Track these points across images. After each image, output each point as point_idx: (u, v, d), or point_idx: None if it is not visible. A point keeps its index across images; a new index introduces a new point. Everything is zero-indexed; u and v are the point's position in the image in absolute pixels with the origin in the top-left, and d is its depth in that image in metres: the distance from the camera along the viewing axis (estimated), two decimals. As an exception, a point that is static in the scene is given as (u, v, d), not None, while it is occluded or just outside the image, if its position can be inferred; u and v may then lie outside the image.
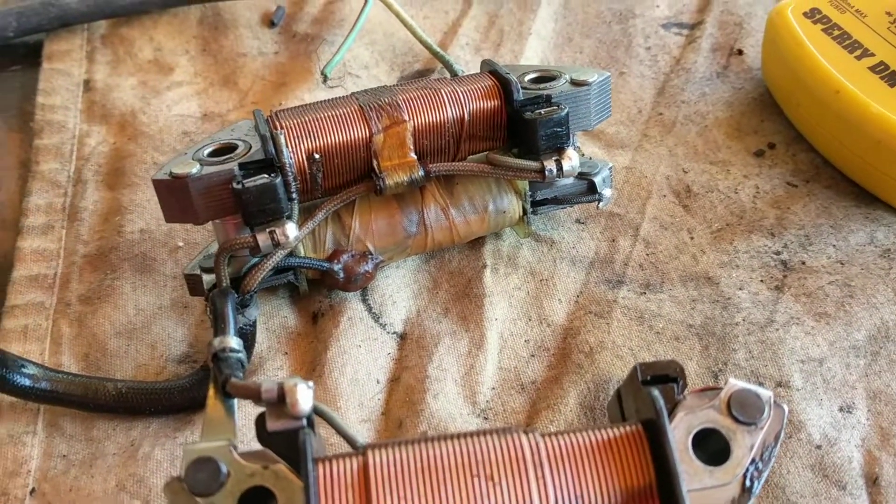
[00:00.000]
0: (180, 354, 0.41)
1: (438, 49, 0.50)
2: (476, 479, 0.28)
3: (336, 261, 0.40)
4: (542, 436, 0.30)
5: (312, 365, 0.40)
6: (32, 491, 0.36)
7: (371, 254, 0.41)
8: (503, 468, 0.29)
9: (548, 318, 0.42)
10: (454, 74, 0.47)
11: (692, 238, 0.45)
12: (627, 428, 0.30)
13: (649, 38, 0.55)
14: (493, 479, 0.28)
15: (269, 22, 0.56)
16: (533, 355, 0.40)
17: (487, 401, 0.39)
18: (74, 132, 0.50)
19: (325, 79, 0.50)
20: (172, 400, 0.38)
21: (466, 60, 0.53)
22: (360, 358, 0.40)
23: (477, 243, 0.44)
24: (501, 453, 0.29)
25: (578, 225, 0.45)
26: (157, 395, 0.38)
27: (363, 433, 0.38)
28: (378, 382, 0.40)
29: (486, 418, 0.38)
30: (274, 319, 0.42)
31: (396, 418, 0.38)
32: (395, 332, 0.41)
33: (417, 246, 0.42)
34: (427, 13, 0.57)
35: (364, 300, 0.42)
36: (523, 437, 0.29)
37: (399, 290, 0.43)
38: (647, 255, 0.44)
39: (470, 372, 0.39)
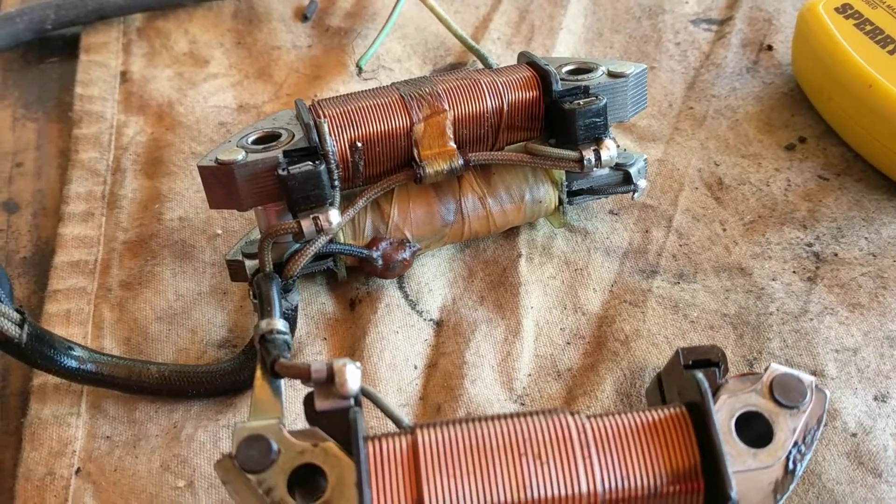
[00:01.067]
0: (220, 339, 0.41)
1: (473, 43, 0.50)
2: (524, 459, 0.29)
3: (375, 248, 0.41)
4: (588, 417, 0.30)
5: (351, 350, 0.41)
6: (78, 471, 0.37)
7: (409, 242, 0.41)
8: (550, 448, 0.29)
9: (583, 306, 0.42)
10: (489, 68, 0.48)
11: (724, 230, 0.45)
12: (671, 410, 0.31)
13: (678, 33, 0.56)
14: (540, 458, 0.29)
15: (302, 16, 0.57)
16: (569, 343, 0.41)
17: (524, 387, 0.39)
18: (112, 122, 0.51)
19: (360, 71, 0.51)
20: (214, 383, 0.38)
21: (498, 54, 0.54)
22: (398, 344, 0.41)
23: (511, 233, 0.45)
24: (548, 433, 0.29)
25: (612, 216, 0.46)
26: (199, 378, 0.38)
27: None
28: (416, 368, 0.40)
29: (522, 404, 0.39)
30: (312, 306, 0.42)
31: (434, 403, 0.39)
32: (431, 320, 0.42)
33: (454, 234, 0.42)
34: (458, 7, 0.58)
35: (401, 287, 0.43)
36: (569, 418, 0.30)
37: (435, 278, 0.43)
38: (681, 245, 0.44)
39: (507, 358, 0.40)
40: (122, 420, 0.38)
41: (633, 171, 0.43)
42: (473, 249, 0.44)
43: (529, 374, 0.40)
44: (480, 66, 0.52)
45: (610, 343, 0.40)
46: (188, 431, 0.38)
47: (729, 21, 0.56)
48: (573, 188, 0.43)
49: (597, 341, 0.41)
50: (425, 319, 0.42)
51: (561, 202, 0.43)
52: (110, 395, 0.39)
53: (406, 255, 0.41)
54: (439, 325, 0.42)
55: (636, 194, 0.43)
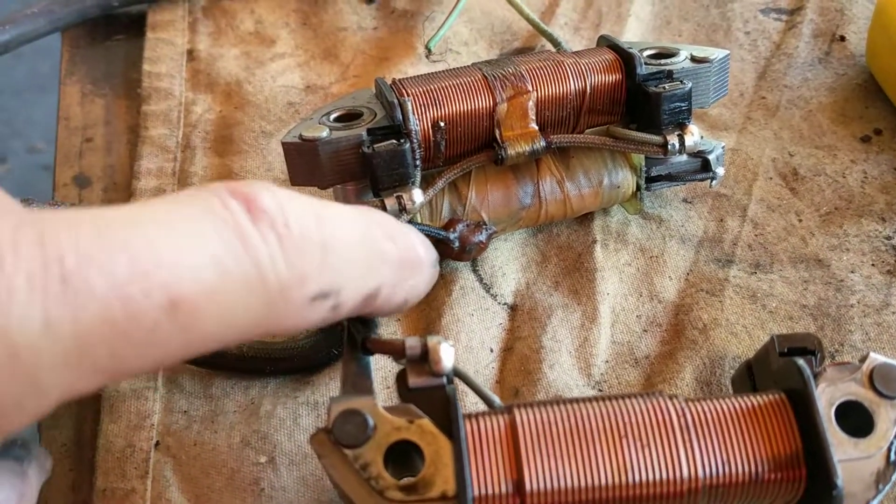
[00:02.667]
0: (294, 318, 0.41)
1: (545, 27, 0.50)
2: (624, 441, 0.28)
3: (452, 230, 0.40)
4: (686, 401, 0.30)
5: (426, 332, 0.40)
6: (157, 444, 0.37)
7: (485, 224, 0.41)
8: (651, 431, 0.29)
9: (659, 294, 0.42)
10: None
11: (800, 220, 0.44)
12: (770, 396, 0.30)
13: (748, 22, 0.55)
14: (641, 441, 0.28)
15: (367, -2, 0.56)
16: (646, 330, 0.40)
17: (602, 373, 0.39)
18: (181, 99, 0.51)
19: (430, 53, 0.50)
20: (292, 361, 0.38)
21: (566, 40, 0.53)
22: (473, 327, 0.40)
23: (585, 219, 0.44)
24: (648, 416, 0.29)
25: (686, 204, 0.45)
26: (277, 355, 0.38)
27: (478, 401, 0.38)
28: (491, 351, 0.40)
29: (600, 390, 0.38)
30: (385, 287, 0.42)
31: (512, 387, 0.38)
32: (505, 304, 0.42)
33: (530, 218, 0.42)
34: (523, -7, 0.57)
35: (475, 270, 0.42)
36: (669, 402, 0.29)
37: (508, 262, 0.43)
38: (756, 235, 0.44)
39: (584, 344, 0.40)
40: (198, 395, 0.38)
41: (711, 158, 0.42)
42: (546, 234, 0.44)
43: (607, 361, 0.39)
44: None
45: (688, 331, 0.40)
46: (267, 408, 0.37)
47: (799, 11, 0.55)
48: (651, 174, 0.42)
49: (674, 329, 0.40)
50: (499, 303, 0.42)
51: (639, 188, 0.42)
52: (185, 370, 0.39)
53: (482, 237, 0.41)
54: (514, 309, 0.41)
55: (714, 182, 0.43)
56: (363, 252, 0.28)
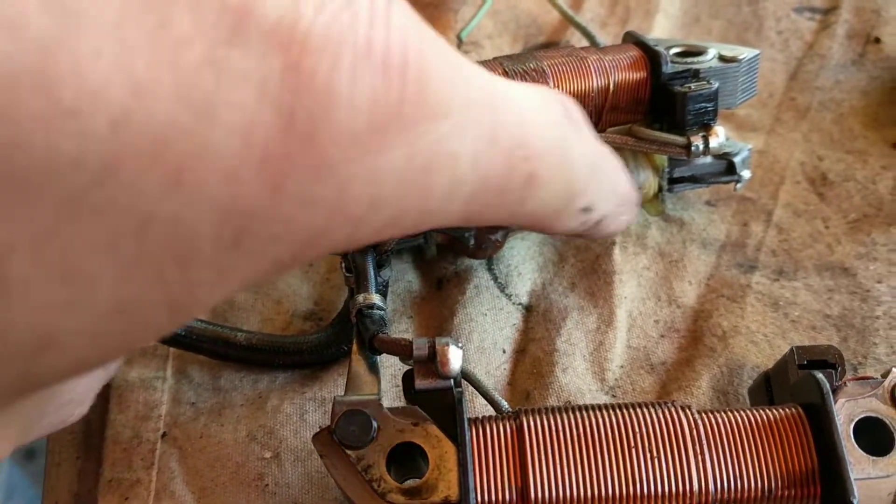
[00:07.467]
0: (306, 311, 0.41)
1: (580, 21, 0.49)
2: (634, 451, 0.28)
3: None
4: (699, 412, 0.29)
5: (438, 330, 0.40)
6: (164, 435, 0.36)
7: (502, 222, 0.40)
8: (662, 442, 0.28)
9: (678, 299, 0.41)
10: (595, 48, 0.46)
11: (827, 227, 0.43)
12: (786, 410, 0.29)
13: (780, 21, 0.54)
14: (650, 452, 0.28)
15: (392, -12, 0.56)
16: (663, 336, 0.39)
17: (616, 378, 0.38)
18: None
19: (461, 43, 0.49)
20: (301, 355, 0.38)
21: (592, 35, 0.52)
22: (486, 326, 0.40)
23: (605, 219, 0.43)
24: (660, 427, 0.28)
25: (709, 207, 0.44)
26: (286, 348, 0.38)
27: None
28: (504, 352, 0.39)
29: (614, 396, 0.38)
30: (399, 283, 0.42)
31: (523, 389, 0.38)
32: (520, 304, 0.41)
33: (548, 217, 0.41)
34: (550, -14, 0.56)
35: (489, 269, 0.42)
36: (681, 413, 0.29)
37: (524, 261, 0.42)
38: (780, 241, 0.43)
39: (599, 348, 0.39)
40: (206, 387, 0.38)
41: (737, 160, 0.41)
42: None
43: (622, 366, 0.38)
44: (574, 45, 0.51)
45: (706, 338, 0.39)
46: (274, 402, 0.37)
47: (834, 10, 0.54)
48: (674, 175, 0.41)
49: (692, 336, 0.39)
50: (514, 303, 0.41)
51: (661, 189, 0.41)
52: (195, 362, 0.39)
53: (498, 235, 0.40)
54: (528, 309, 0.41)
55: (739, 185, 0.42)
56: (610, 180, 0.30)
